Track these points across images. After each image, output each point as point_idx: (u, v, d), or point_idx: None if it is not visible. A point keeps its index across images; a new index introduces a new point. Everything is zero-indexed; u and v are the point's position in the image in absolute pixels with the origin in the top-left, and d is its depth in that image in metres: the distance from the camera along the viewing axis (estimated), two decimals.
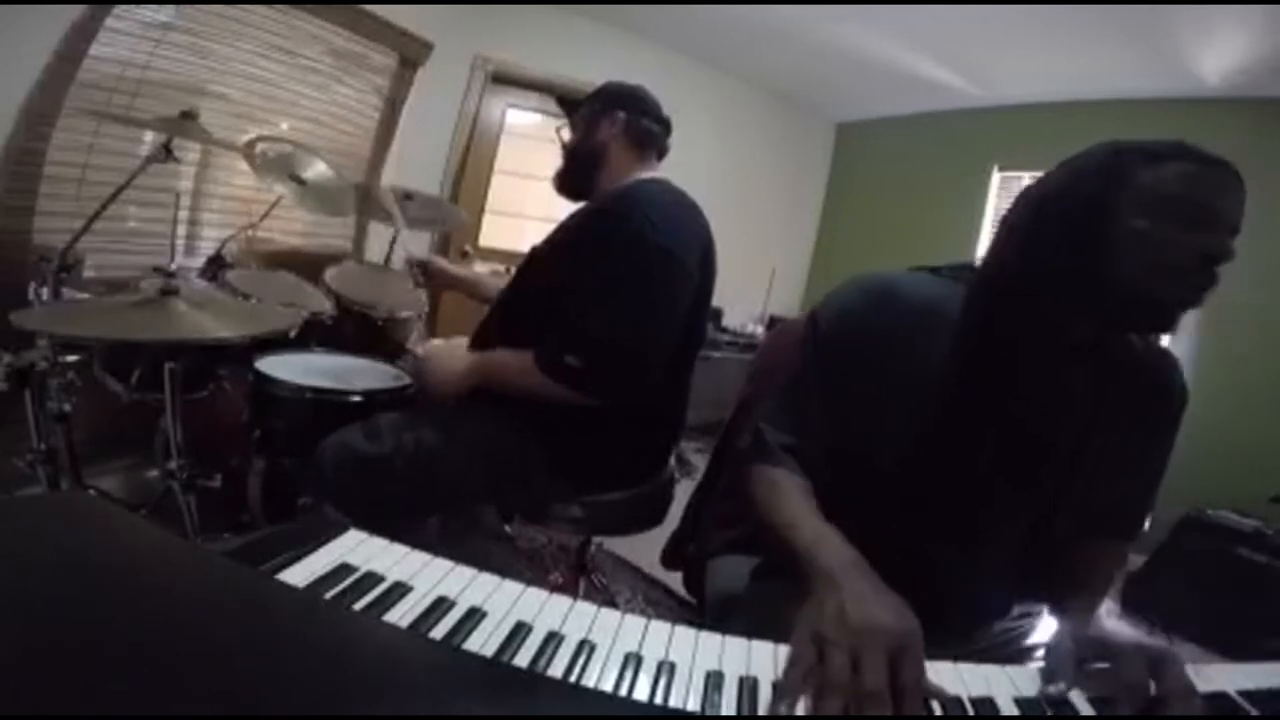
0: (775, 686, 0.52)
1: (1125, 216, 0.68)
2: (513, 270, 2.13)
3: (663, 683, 0.50)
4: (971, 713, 0.53)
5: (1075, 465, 0.78)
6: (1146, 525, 0.86)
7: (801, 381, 0.83)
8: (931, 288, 0.81)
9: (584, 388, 1.12)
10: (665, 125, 1.38)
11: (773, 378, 1.21)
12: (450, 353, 1.31)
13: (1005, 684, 0.56)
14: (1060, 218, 0.71)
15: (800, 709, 0.50)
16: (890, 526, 0.68)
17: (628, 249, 1.12)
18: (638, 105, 1.35)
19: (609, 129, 1.32)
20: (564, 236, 1.31)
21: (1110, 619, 0.66)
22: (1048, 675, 0.58)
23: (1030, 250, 0.72)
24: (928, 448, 0.75)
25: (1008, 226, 0.76)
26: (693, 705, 0.49)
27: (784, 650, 0.56)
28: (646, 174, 1.32)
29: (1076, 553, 0.80)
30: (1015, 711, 0.54)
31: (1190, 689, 0.55)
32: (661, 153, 1.38)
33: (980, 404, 0.74)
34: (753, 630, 0.59)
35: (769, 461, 0.79)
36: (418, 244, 2.98)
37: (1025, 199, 0.76)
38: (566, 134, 1.41)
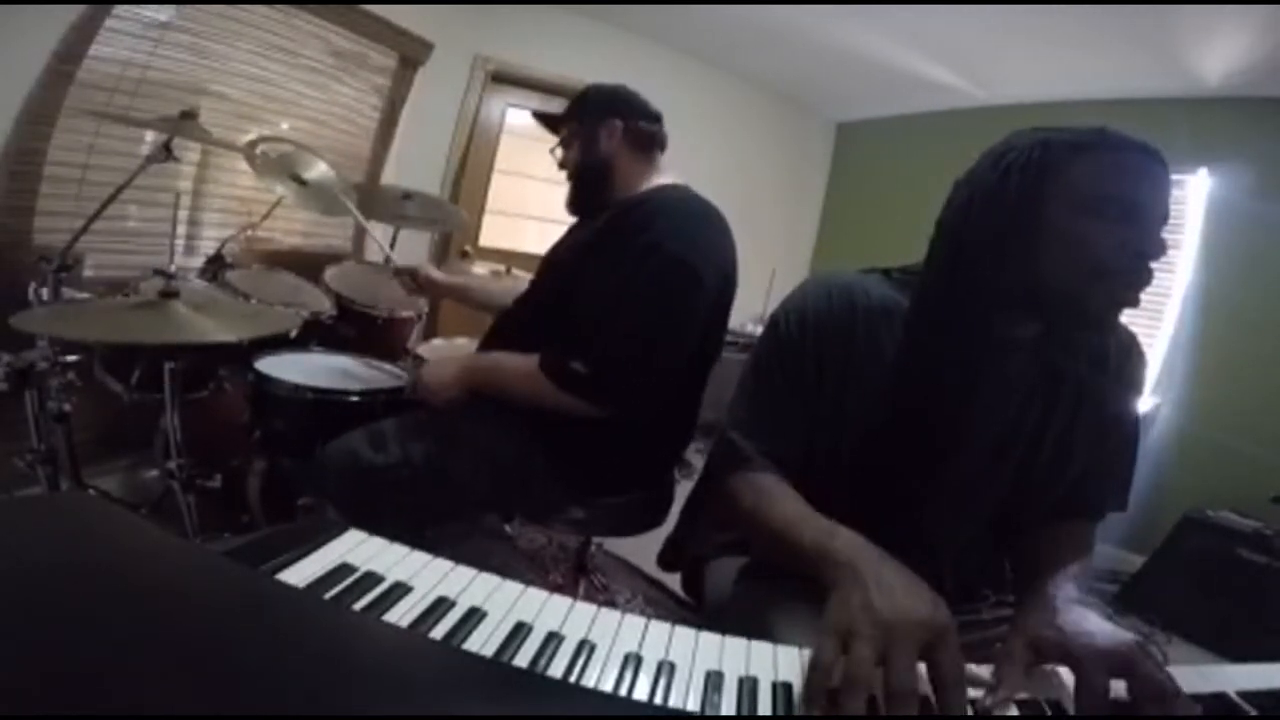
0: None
1: (1054, 217, 0.67)
2: (512, 270, 2.13)
3: (662, 683, 0.50)
4: (970, 713, 0.53)
5: (1033, 451, 0.78)
6: (1128, 508, 0.86)
7: (767, 385, 0.82)
8: (885, 289, 0.81)
9: (589, 395, 1.10)
10: (658, 119, 1.34)
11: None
12: (442, 358, 1.30)
13: None
14: (989, 219, 0.70)
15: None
16: (856, 523, 0.67)
17: (644, 259, 1.10)
18: (630, 108, 1.31)
19: (609, 140, 1.28)
20: (584, 243, 1.29)
21: (1071, 612, 0.61)
22: (994, 680, 0.55)
23: (962, 254, 0.72)
24: (888, 444, 0.76)
25: (940, 227, 0.76)
26: (692, 705, 0.49)
27: (783, 651, 0.56)
28: (662, 179, 1.29)
29: (1041, 536, 0.80)
30: (1014, 711, 0.54)
31: (1163, 690, 0.51)
32: (662, 147, 1.34)
33: (931, 401, 0.75)
34: (742, 631, 0.58)
35: (749, 468, 0.78)
36: (417, 245, 2.99)
37: (954, 198, 0.75)
38: (560, 153, 1.36)
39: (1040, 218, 0.68)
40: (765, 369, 0.83)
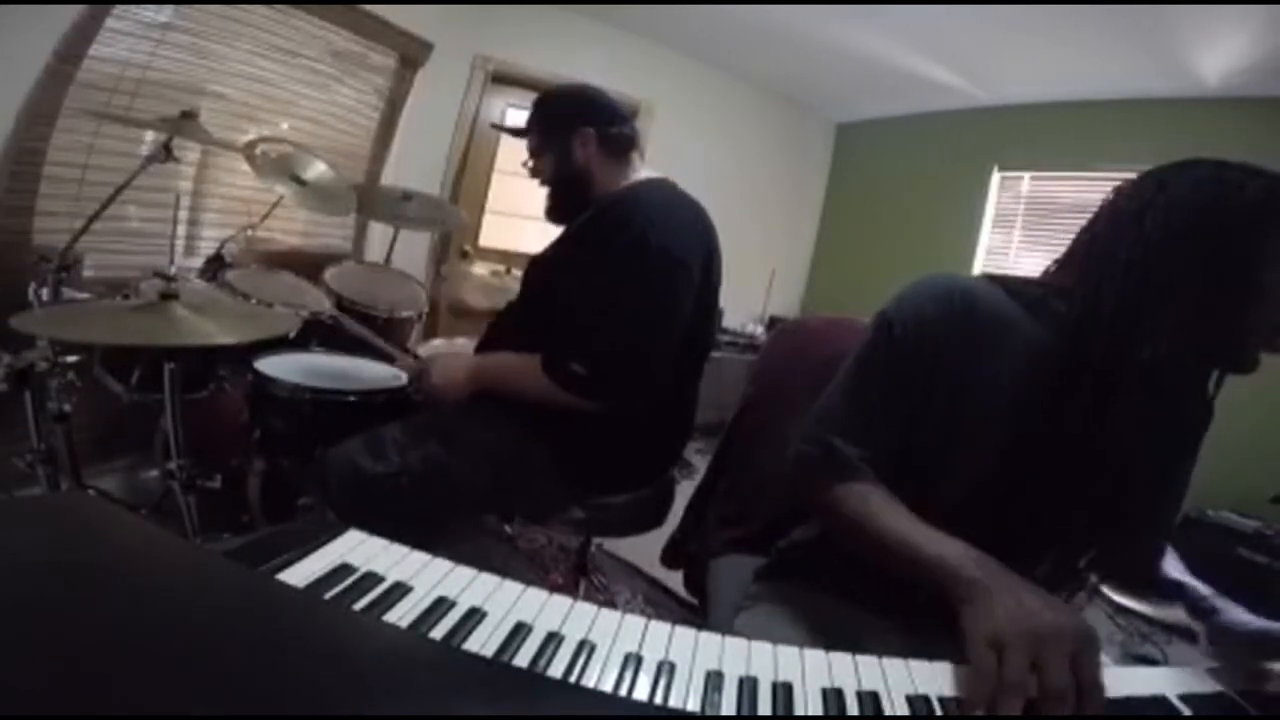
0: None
1: (1266, 280, 0.67)
2: (512, 270, 2.14)
3: (663, 683, 0.50)
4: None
5: (1138, 479, 0.77)
6: None
7: (873, 388, 0.78)
8: (1004, 298, 0.77)
9: (591, 394, 1.11)
10: (629, 119, 1.30)
11: (771, 386, 1.21)
12: (453, 356, 1.30)
13: None
14: (1199, 272, 0.67)
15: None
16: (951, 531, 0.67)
17: (629, 254, 1.11)
18: (601, 114, 1.27)
19: (584, 149, 1.25)
20: (567, 243, 1.29)
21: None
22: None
23: (1164, 293, 0.68)
24: (1003, 462, 0.73)
25: (1134, 258, 0.70)
26: (693, 705, 0.49)
27: (783, 651, 0.56)
28: (640, 175, 1.29)
29: (1139, 550, 0.84)
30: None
31: None
32: (637, 145, 1.31)
33: (1062, 425, 0.72)
34: (757, 630, 0.58)
35: (850, 477, 0.74)
36: (417, 245, 2.99)
37: (1153, 229, 0.69)
38: (534, 165, 1.33)
39: (1257, 281, 0.67)
40: (873, 371, 0.79)
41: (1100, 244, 0.74)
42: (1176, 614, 0.81)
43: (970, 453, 0.74)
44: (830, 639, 0.59)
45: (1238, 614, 0.71)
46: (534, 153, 1.32)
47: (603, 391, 1.11)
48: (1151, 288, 0.69)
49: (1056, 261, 0.80)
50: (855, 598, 0.77)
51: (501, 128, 1.42)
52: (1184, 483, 0.86)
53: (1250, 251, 0.66)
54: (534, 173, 1.33)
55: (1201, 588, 0.77)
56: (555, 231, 1.38)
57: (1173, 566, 0.81)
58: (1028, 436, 0.72)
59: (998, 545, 0.68)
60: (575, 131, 1.25)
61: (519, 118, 1.37)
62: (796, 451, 0.79)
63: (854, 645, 0.58)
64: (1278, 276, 0.66)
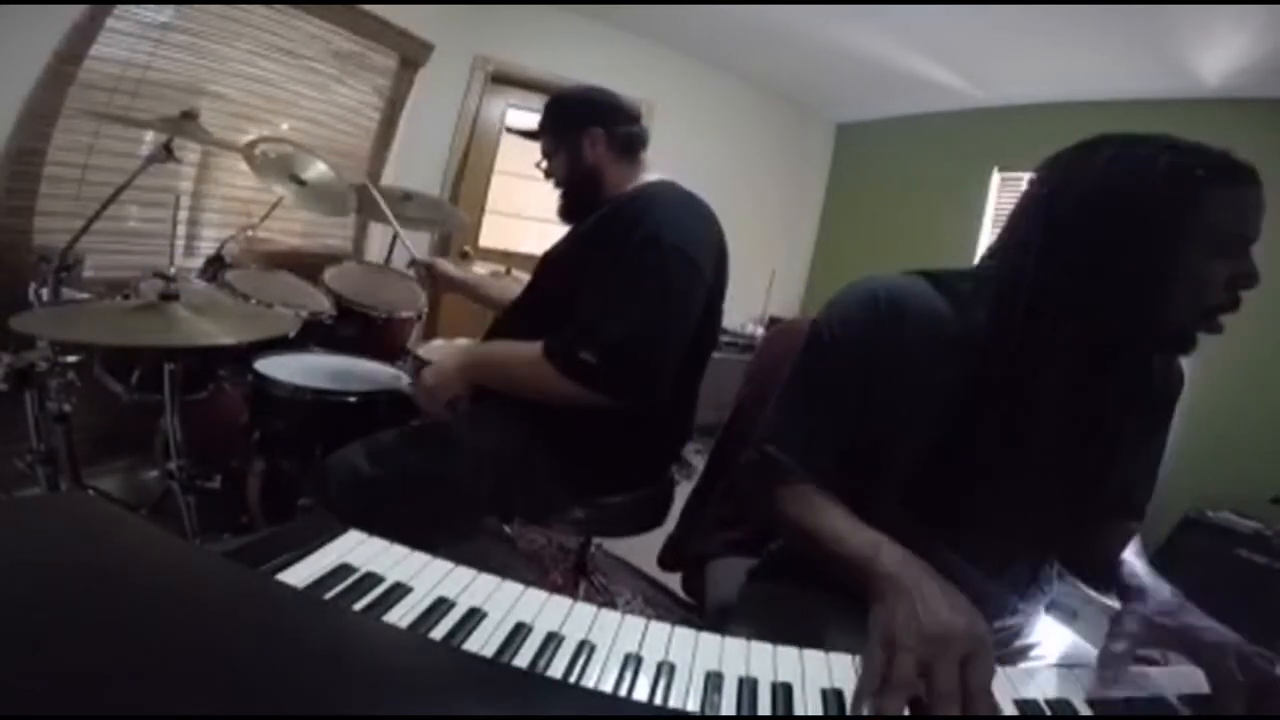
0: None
1: (1188, 258, 0.66)
2: (513, 271, 2.14)
3: (662, 683, 0.50)
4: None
5: (1090, 462, 0.77)
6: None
7: (807, 397, 0.79)
8: (933, 294, 0.77)
9: (597, 385, 1.09)
10: (637, 118, 1.32)
11: (766, 387, 1.21)
12: (442, 356, 1.28)
13: (1004, 685, 0.56)
14: (1121, 248, 0.67)
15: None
16: (901, 536, 0.66)
17: (644, 250, 1.10)
18: (608, 113, 1.29)
19: (593, 150, 1.27)
20: (579, 241, 1.29)
21: (1183, 606, 0.65)
22: (1107, 676, 0.58)
23: (1080, 276, 0.68)
24: (945, 456, 0.73)
25: (1047, 243, 0.70)
26: (692, 706, 0.49)
27: (783, 651, 0.56)
28: (649, 176, 1.30)
29: (1108, 533, 0.81)
30: (1015, 711, 0.54)
31: (1275, 685, 0.56)
32: (645, 145, 1.33)
33: (1000, 415, 0.72)
34: (750, 630, 0.58)
35: (789, 480, 0.75)
36: (417, 245, 2.99)
37: (1065, 211, 0.69)
38: (545, 164, 1.35)
39: (1176, 258, 0.66)
40: (807, 381, 0.80)
41: (1018, 230, 0.74)
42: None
43: (913, 451, 0.74)
44: (823, 639, 0.59)
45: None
46: (546, 154, 1.35)
47: (608, 382, 1.09)
48: (1067, 272, 0.68)
49: (989, 250, 0.80)
50: (846, 598, 0.77)
51: (514, 130, 1.44)
52: (1145, 469, 0.84)
53: (1166, 228, 0.65)
54: (547, 174, 1.36)
55: (1160, 586, 0.72)
56: (557, 232, 1.38)
57: (1136, 563, 0.78)
58: (966, 430, 0.72)
59: (957, 541, 0.67)
60: (585, 132, 1.27)
61: (519, 118, 1.38)
62: (741, 461, 0.80)
63: (846, 645, 0.58)
64: (1200, 252, 0.65)
